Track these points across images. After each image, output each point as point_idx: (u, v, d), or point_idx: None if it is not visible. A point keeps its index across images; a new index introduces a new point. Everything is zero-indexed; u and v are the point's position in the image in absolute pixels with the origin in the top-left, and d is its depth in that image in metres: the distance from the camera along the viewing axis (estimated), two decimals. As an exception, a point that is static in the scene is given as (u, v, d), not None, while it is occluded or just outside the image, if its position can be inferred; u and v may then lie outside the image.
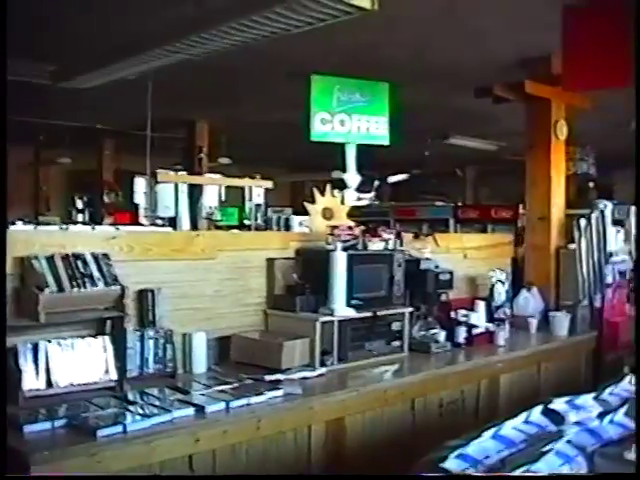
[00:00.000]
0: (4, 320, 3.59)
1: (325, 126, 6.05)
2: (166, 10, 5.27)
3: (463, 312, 5.62)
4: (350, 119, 6.15)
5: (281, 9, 4.46)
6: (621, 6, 5.01)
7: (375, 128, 6.31)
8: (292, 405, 3.97)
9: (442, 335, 5.41)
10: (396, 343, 5.14)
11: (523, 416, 1.76)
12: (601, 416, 1.78)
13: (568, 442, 1.58)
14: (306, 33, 4.85)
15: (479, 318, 5.69)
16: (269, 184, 9.98)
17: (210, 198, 9.64)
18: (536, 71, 6.96)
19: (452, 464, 1.48)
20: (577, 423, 1.72)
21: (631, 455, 1.55)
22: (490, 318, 5.88)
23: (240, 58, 6.57)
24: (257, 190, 9.96)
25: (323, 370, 4.56)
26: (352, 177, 6.26)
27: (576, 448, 1.58)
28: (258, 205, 10.25)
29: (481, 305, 5.78)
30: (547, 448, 1.50)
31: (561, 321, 6.34)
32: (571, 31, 5.14)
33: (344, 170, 6.28)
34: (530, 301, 6.62)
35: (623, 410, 1.82)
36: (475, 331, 5.61)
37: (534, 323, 6.37)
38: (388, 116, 6.38)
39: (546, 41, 5.30)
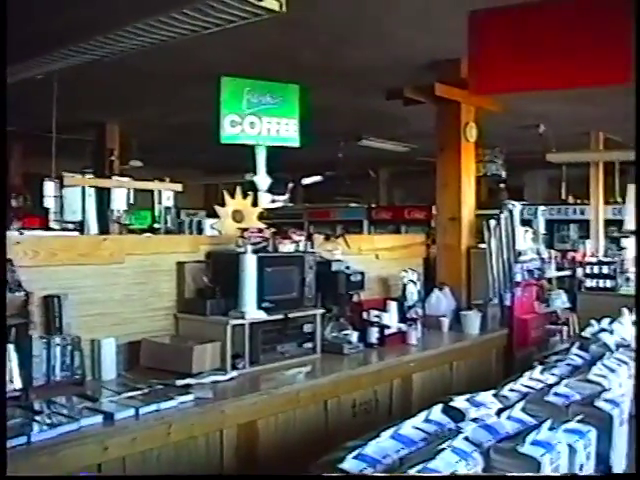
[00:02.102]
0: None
1: (235, 128, 6.01)
2: (72, 10, 5.16)
3: (375, 313, 5.65)
4: (260, 121, 6.12)
5: (189, 10, 4.42)
6: (527, 12, 5.11)
7: (285, 130, 6.29)
8: (203, 409, 3.93)
9: (354, 336, 5.43)
10: (308, 345, 5.13)
11: (423, 415, 1.77)
12: (500, 412, 1.81)
13: (465, 439, 1.60)
14: (216, 34, 4.82)
15: (391, 318, 5.73)
16: (178, 187, 9.89)
17: (118, 201, 9.50)
18: (446, 74, 7.06)
19: (350, 465, 1.48)
20: (475, 420, 1.74)
21: (524, 448, 1.57)
22: (402, 318, 5.92)
23: (151, 59, 6.49)
24: (167, 193, 9.87)
25: (234, 373, 4.52)
26: (262, 179, 6.23)
27: (473, 444, 1.60)
28: (168, 208, 10.16)
29: (393, 305, 5.83)
30: (444, 445, 1.51)
31: (472, 320, 6.44)
32: (477, 35, 5.21)
33: (255, 172, 6.26)
34: (442, 300, 6.71)
35: (520, 405, 1.84)
36: (387, 331, 5.65)
37: (446, 322, 6.45)
38: (299, 118, 6.37)
39: (455, 45, 5.37)
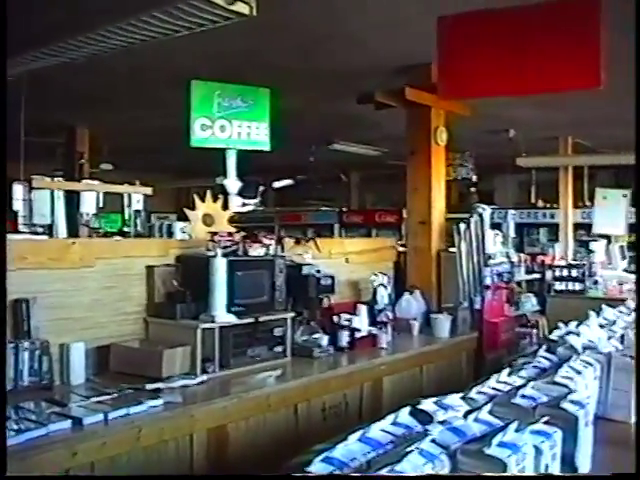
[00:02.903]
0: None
1: (205, 132, 6.01)
2: (42, 12, 5.14)
3: (346, 316, 5.65)
4: (231, 125, 6.13)
5: (159, 14, 4.41)
6: (496, 17, 5.16)
7: (256, 134, 6.31)
8: (173, 414, 3.92)
9: (325, 339, 5.43)
10: (278, 348, 5.13)
11: (391, 418, 1.77)
12: (467, 414, 1.82)
13: (432, 441, 1.61)
14: (187, 38, 4.82)
15: (361, 322, 5.73)
16: (148, 190, 9.85)
17: (88, 205, 9.45)
18: (417, 78, 7.09)
19: (317, 468, 1.48)
20: (442, 422, 1.75)
21: (490, 450, 1.59)
22: (373, 321, 5.93)
23: (122, 62, 6.48)
24: (136, 196, 9.83)
25: (204, 377, 4.51)
26: (233, 183, 6.24)
27: (440, 446, 1.61)
28: (137, 211, 10.11)
29: (363, 309, 5.83)
30: (411, 448, 1.52)
31: (442, 323, 6.46)
32: (446, 40, 5.25)
33: (225, 176, 6.26)
34: (412, 304, 6.73)
35: (487, 408, 1.86)
36: (358, 335, 5.66)
37: (416, 325, 6.47)
38: (269, 122, 6.39)
39: (426, 49, 5.41)
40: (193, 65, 6.74)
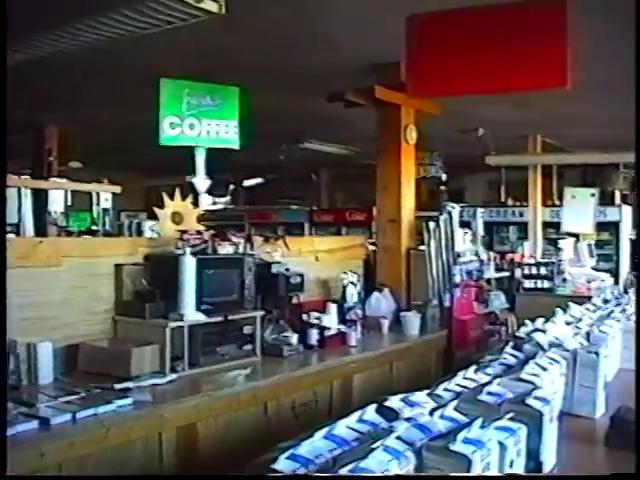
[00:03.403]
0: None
1: (174, 130, 5.99)
2: (9, 8, 5.08)
3: (315, 314, 5.67)
4: (200, 123, 6.11)
5: (128, 11, 4.40)
6: (464, 16, 5.19)
7: (225, 132, 6.29)
8: (142, 413, 3.91)
9: (294, 338, 5.44)
10: (248, 347, 5.13)
11: (357, 415, 1.78)
12: (433, 411, 1.84)
13: (398, 438, 1.62)
14: (157, 35, 4.81)
15: (331, 320, 5.75)
16: (117, 189, 9.78)
17: (56, 203, 9.38)
18: (387, 77, 7.11)
19: (283, 465, 1.49)
20: (408, 419, 1.76)
21: (455, 446, 1.60)
22: (342, 320, 5.96)
23: (91, 59, 6.43)
24: (105, 195, 9.77)
25: (174, 376, 4.51)
26: (202, 181, 6.22)
27: (405, 443, 1.62)
28: (106, 210, 10.05)
29: (333, 307, 5.85)
30: (376, 444, 1.53)
31: (412, 321, 6.50)
32: (415, 39, 5.28)
33: (195, 174, 6.24)
34: (382, 302, 6.76)
35: (453, 404, 1.87)
36: (327, 333, 5.68)
37: (386, 323, 6.50)
38: (238, 120, 6.37)
39: (396, 48, 5.43)
40: (162, 63, 6.72)
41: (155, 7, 4.30)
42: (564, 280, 10.37)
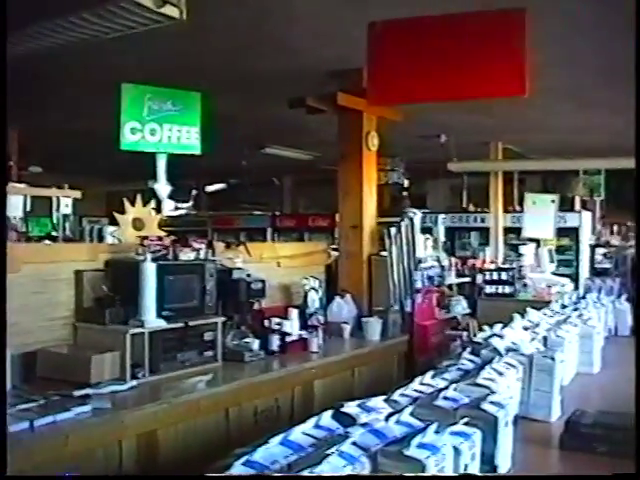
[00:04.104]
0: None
1: (135, 135, 5.96)
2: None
3: (277, 320, 5.66)
4: (161, 128, 6.09)
5: (88, 15, 4.37)
6: (424, 24, 5.23)
7: (186, 138, 6.27)
8: (101, 420, 3.88)
9: (256, 344, 5.42)
10: (209, 353, 5.11)
11: (313, 421, 1.79)
12: (389, 417, 1.85)
13: (353, 443, 1.63)
14: (118, 40, 4.78)
15: (292, 326, 5.75)
16: (77, 194, 9.69)
17: (14, 208, 9.28)
18: (349, 83, 7.12)
19: (238, 471, 1.49)
20: (363, 424, 1.78)
21: (409, 451, 1.62)
22: (304, 325, 5.95)
23: (51, 63, 6.38)
24: (65, 200, 9.68)
25: (134, 383, 4.47)
26: (163, 187, 6.20)
27: (360, 448, 1.63)
28: (66, 215, 9.96)
29: (294, 313, 5.85)
30: (331, 450, 1.54)
31: (373, 326, 6.52)
32: (376, 46, 5.31)
33: (156, 180, 6.22)
34: (343, 307, 6.78)
35: (409, 410, 1.89)
36: (289, 339, 5.67)
37: (347, 329, 6.51)
38: (200, 125, 6.36)
39: (358, 54, 5.45)
40: (124, 67, 6.69)
41: (116, 12, 4.28)
42: (525, 285, 10.46)
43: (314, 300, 6.23)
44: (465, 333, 7.90)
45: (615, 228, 15.33)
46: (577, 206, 14.18)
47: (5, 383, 3.56)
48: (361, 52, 5.46)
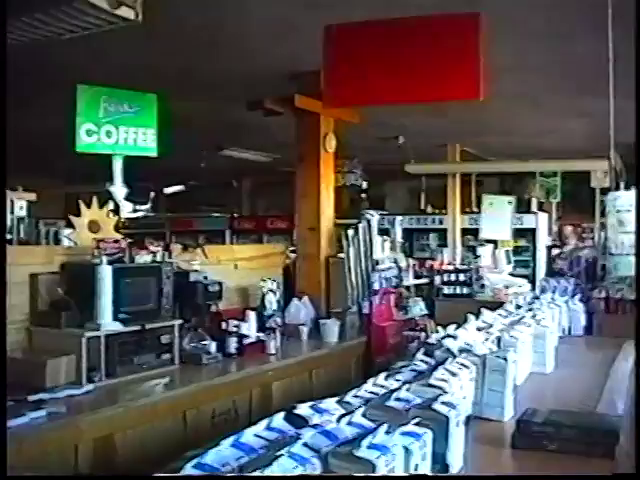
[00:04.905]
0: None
1: (91, 137, 5.90)
2: None
3: (234, 322, 5.66)
4: (117, 130, 6.03)
5: (42, 16, 4.33)
6: (380, 28, 5.25)
7: (143, 140, 6.21)
8: (56, 425, 3.85)
9: (213, 346, 5.42)
10: (166, 356, 5.10)
11: (265, 423, 1.80)
12: (341, 418, 1.86)
13: (304, 444, 1.64)
14: (73, 41, 4.74)
15: (250, 328, 5.76)
16: (32, 196, 9.56)
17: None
18: (306, 85, 7.12)
19: (189, 473, 1.50)
20: (315, 426, 1.79)
21: (360, 452, 1.63)
22: (261, 327, 5.96)
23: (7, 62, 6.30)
24: (20, 202, 9.55)
25: (90, 387, 4.45)
26: (119, 189, 6.15)
27: (311, 450, 1.64)
28: (21, 218, 9.83)
29: (252, 315, 5.85)
30: (282, 451, 1.55)
31: (331, 328, 6.54)
32: (332, 49, 5.32)
33: (111, 182, 6.17)
34: (301, 309, 6.79)
35: (361, 411, 1.90)
36: (246, 341, 5.67)
37: (305, 331, 6.53)
38: (156, 127, 6.31)
39: (316, 57, 5.47)
40: (79, 68, 6.63)
41: (70, 13, 4.24)
42: (482, 286, 10.55)
43: (272, 302, 6.23)
44: (423, 334, 7.93)
45: (571, 229, 15.52)
46: (534, 208, 14.33)
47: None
48: (318, 54, 5.47)
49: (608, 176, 9.31)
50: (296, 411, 1.91)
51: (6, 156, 3.56)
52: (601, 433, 2.47)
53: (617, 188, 6.36)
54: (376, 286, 7.06)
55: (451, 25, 5.02)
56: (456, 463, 2.13)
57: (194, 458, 1.53)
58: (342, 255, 7.12)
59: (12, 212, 9.83)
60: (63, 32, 4.59)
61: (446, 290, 10.73)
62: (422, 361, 2.81)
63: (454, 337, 3.15)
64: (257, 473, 1.45)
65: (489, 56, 4.94)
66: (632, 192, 4.36)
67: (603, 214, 6.38)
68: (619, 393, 3.43)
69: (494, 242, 12.36)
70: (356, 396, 2.21)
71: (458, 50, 4.96)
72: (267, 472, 1.45)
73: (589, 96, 7.33)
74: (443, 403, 2.11)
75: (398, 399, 2.16)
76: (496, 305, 4.84)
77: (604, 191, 8.61)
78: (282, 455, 1.52)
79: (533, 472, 2.34)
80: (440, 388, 2.33)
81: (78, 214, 5.41)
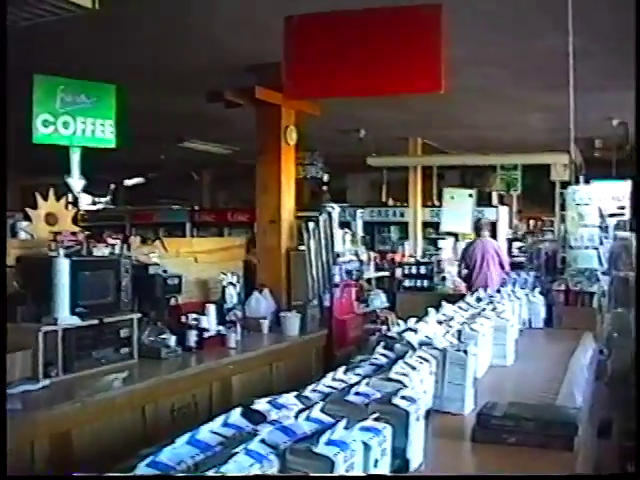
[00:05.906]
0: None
1: (48, 128, 5.80)
2: None
3: (194, 316, 5.62)
4: (74, 121, 5.93)
5: (-3, 3, 4.25)
6: (341, 19, 5.23)
7: (101, 131, 6.13)
8: (12, 421, 3.77)
9: (172, 340, 5.37)
10: (125, 350, 5.03)
11: (221, 419, 1.76)
12: (299, 413, 1.83)
13: (261, 441, 1.61)
14: (30, 29, 4.65)
15: (210, 321, 5.72)
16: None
17: None
18: (267, 77, 7.07)
19: (142, 472, 1.46)
20: (273, 422, 1.76)
21: (318, 448, 1.61)
22: (222, 321, 5.92)
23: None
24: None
25: (47, 382, 4.38)
26: (76, 181, 6.07)
27: (269, 446, 1.61)
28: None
29: (212, 308, 5.81)
30: (239, 449, 1.52)
31: (292, 321, 6.52)
32: (292, 40, 5.30)
33: (69, 174, 6.08)
34: (262, 303, 6.75)
35: (319, 406, 1.88)
36: (206, 334, 5.63)
37: (266, 324, 6.50)
38: (115, 119, 6.23)
39: (277, 48, 5.43)
40: (35, 58, 6.51)
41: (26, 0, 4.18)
42: (443, 279, 10.61)
43: (232, 295, 6.20)
44: (384, 327, 7.94)
45: (531, 222, 15.68)
46: (495, 201, 14.45)
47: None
48: (280, 46, 5.43)
49: (568, 170, 9.40)
50: (254, 406, 1.88)
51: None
52: (560, 425, 2.47)
53: (577, 182, 6.40)
54: (337, 279, 7.06)
55: (413, 18, 5.01)
56: (416, 458, 2.11)
57: (148, 456, 1.50)
58: (303, 248, 7.10)
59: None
60: (17, 19, 4.50)
61: (407, 283, 10.78)
62: (382, 355, 2.79)
63: (414, 330, 3.14)
64: (213, 471, 1.42)
65: (451, 49, 4.94)
66: (591, 186, 4.39)
67: (563, 207, 6.43)
68: (578, 385, 3.44)
69: (455, 235, 12.44)
70: (315, 390, 2.18)
71: (419, 42, 4.96)
72: (223, 470, 1.42)
73: (550, 91, 7.39)
74: (403, 397, 2.09)
75: (357, 393, 2.14)
76: (457, 298, 4.85)
77: (564, 184, 8.69)
78: (239, 452, 1.49)
79: (493, 466, 2.33)
80: (400, 382, 2.31)
81: (35, 206, 5.32)
